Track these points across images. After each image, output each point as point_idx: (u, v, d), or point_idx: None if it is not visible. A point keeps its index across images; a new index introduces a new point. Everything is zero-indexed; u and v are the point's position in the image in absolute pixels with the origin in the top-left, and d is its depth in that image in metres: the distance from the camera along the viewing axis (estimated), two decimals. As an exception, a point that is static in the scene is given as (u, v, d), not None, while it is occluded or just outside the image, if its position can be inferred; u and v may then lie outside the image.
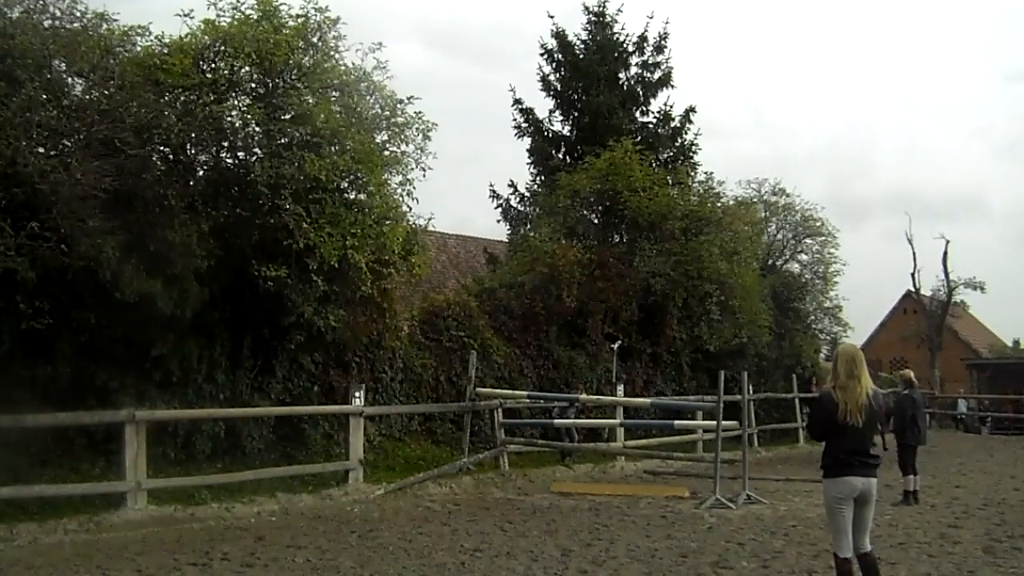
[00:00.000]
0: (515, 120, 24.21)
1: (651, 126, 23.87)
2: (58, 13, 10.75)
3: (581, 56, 23.87)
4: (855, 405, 5.73)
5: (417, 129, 12.90)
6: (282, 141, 11.66)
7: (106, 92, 10.70)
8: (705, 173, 22.73)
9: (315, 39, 12.32)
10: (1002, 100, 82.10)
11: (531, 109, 24.18)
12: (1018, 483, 13.73)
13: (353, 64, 12.66)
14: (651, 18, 35.50)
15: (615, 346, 18.43)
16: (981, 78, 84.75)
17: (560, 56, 24.02)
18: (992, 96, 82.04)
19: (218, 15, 11.90)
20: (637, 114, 23.94)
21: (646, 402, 16.50)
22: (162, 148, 11.42)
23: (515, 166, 64.77)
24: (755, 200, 25.12)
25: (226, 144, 11.99)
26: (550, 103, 24.17)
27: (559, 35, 24.06)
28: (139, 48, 11.54)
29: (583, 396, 16.54)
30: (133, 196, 10.73)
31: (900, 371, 13.07)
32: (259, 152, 11.83)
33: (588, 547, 8.79)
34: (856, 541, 5.89)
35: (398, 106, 12.85)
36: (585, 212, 20.64)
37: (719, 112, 74.03)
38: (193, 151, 11.90)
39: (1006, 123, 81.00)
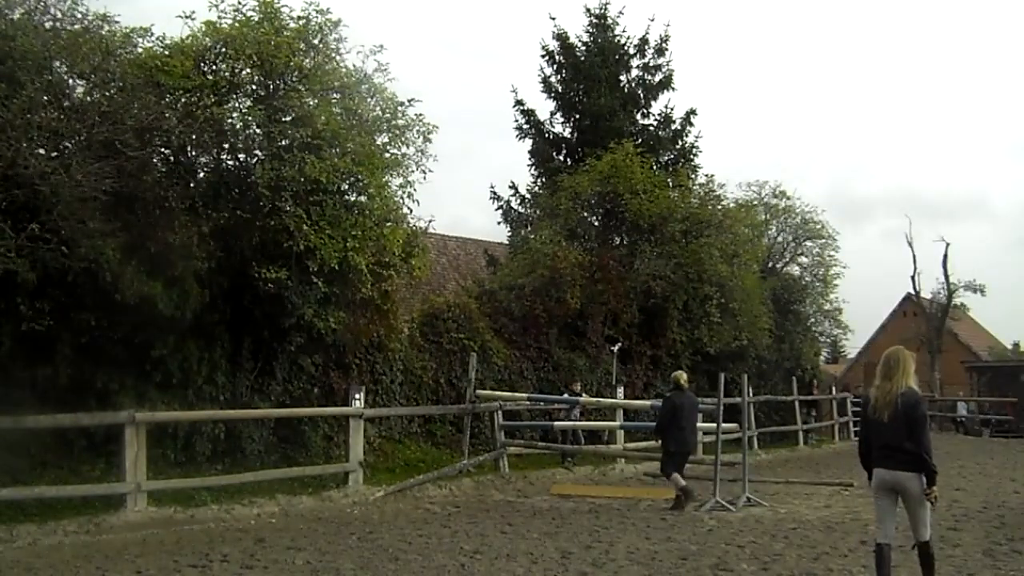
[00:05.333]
0: (516, 121, 24.27)
1: (652, 128, 23.90)
2: (59, 15, 10.76)
3: (582, 58, 23.90)
4: (883, 402, 6.19)
5: (418, 131, 12.94)
6: (283, 143, 11.68)
7: (107, 94, 10.72)
8: (706, 175, 22.83)
9: (316, 41, 12.34)
10: (1007, 99, 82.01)
11: (532, 111, 24.24)
12: (1018, 486, 13.74)
13: (354, 66, 12.72)
14: (652, 20, 35.64)
15: (615, 348, 18.44)
16: (985, 77, 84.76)
17: (561, 58, 24.05)
18: (997, 95, 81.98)
19: (219, 17, 11.94)
20: (638, 116, 23.97)
21: (645, 404, 16.52)
22: (163, 150, 11.44)
23: (513, 165, 65.06)
24: (755, 202, 25.15)
25: (227, 146, 12.01)
26: (551, 105, 24.25)
27: (560, 37, 24.10)
28: (140, 50, 11.54)
29: (583, 398, 16.57)
30: (134, 198, 10.75)
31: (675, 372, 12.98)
32: (260, 154, 11.86)
33: (588, 549, 8.78)
34: (913, 532, 6.43)
35: (399, 108, 12.87)
36: (586, 214, 20.66)
37: (720, 114, 74.07)
38: (194, 153, 11.92)
39: (1011, 122, 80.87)
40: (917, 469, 6.15)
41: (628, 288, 19.04)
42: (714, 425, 13.16)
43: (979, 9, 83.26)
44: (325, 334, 12.39)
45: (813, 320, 27.25)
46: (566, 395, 16.86)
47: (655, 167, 21.61)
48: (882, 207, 75.97)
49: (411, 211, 13.35)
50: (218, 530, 10.01)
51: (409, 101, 12.95)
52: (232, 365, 12.27)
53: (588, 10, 24.27)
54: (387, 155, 12.86)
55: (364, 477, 12.92)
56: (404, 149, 12.98)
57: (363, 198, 12.44)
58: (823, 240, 26.41)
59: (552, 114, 24.21)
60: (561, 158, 23.73)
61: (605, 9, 24.21)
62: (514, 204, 23.81)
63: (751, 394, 19.23)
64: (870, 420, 6.34)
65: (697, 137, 24.05)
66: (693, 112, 23.99)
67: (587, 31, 24.23)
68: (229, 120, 11.79)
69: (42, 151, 10.00)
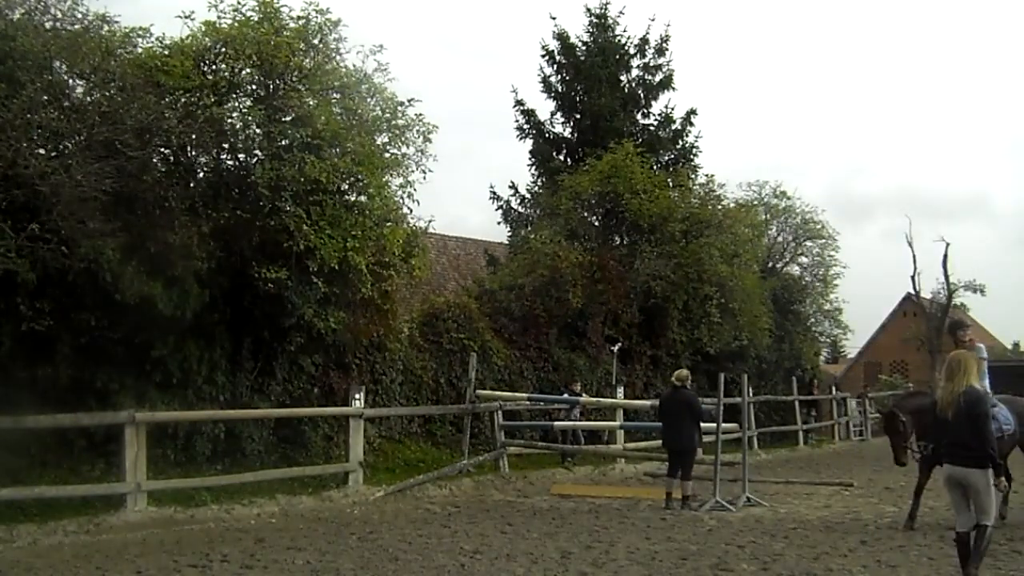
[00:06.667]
0: (516, 121, 24.24)
1: (652, 128, 23.88)
2: (59, 15, 10.75)
3: (583, 58, 23.87)
4: (947, 402, 6.78)
5: (418, 131, 12.93)
6: (283, 143, 11.67)
7: (107, 94, 10.70)
8: (706, 175, 22.81)
9: (316, 41, 12.33)
10: (1007, 99, 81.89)
11: (532, 111, 24.21)
12: (1017, 486, 13.70)
13: (354, 66, 12.71)
14: (652, 21, 35.53)
15: (615, 348, 18.44)
16: (985, 77, 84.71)
17: (562, 58, 24.03)
18: (997, 95, 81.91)
19: (219, 17, 11.92)
20: (638, 116, 23.95)
21: (646, 404, 16.52)
22: (163, 150, 11.43)
23: (513, 165, 65.05)
24: (756, 202, 25.16)
25: (227, 146, 12.01)
26: (551, 105, 24.21)
27: (561, 37, 24.07)
28: (140, 50, 11.54)
29: (583, 398, 16.58)
30: (134, 198, 10.74)
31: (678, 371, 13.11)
32: (260, 154, 11.84)
33: (588, 549, 8.78)
34: (976, 517, 6.83)
35: (399, 108, 12.87)
36: (586, 214, 20.67)
37: (720, 114, 74.05)
38: (194, 153, 11.91)
39: (1011, 122, 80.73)
40: (981, 464, 6.61)
41: (628, 288, 19.05)
42: (714, 425, 13.17)
43: (979, 9, 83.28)
44: (325, 334, 12.39)
45: (813, 320, 27.27)
46: (566, 395, 16.86)
47: (655, 167, 21.62)
48: (882, 207, 75.89)
49: (411, 211, 13.37)
50: (218, 530, 10.02)
51: (409, 101, 12.96)
52: (232, 365, 12.27)
53: (588, 10, 24.26)
54: (387, 155, 12.85)
55: (364, 477, 12.92)
56: (404, 149, 12.99)
57: (363, 198, 12.43)
58: (823, 240, 26.45)
59: (552, 114, 24.21)
60: (561, 158, 23.71)
61: (605, 9, 24.20)
62: (514, 204, 23.82)
63: (751, 394, 19.22)
64: (938, 419, 6.97)
65: (697, 137, 24.07)
66: (693, 112, 24.01)
67: (587, 31, 24.20)
68: (229, 120, 11.79)
69: (42, 151, 10.01)
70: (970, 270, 59.75)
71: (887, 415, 10.71)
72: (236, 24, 11.83)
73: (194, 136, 11.19)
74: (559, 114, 24.11)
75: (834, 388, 29.17)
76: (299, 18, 12.22)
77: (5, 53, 10.00)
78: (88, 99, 10.81)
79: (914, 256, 35.05)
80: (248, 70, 11.83)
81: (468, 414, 15.14)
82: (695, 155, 23.91)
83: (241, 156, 12.20)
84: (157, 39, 11.66)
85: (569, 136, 24.04)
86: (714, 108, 77.05)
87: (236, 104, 12.01)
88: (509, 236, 23.51)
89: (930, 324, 35.21)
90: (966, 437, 6.62)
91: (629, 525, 10.40)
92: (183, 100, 11.26)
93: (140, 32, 11.48)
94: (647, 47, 24.10)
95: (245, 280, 11.63)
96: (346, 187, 12.29)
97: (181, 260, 10.80)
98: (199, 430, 11.67)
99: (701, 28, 74.22)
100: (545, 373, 17.82)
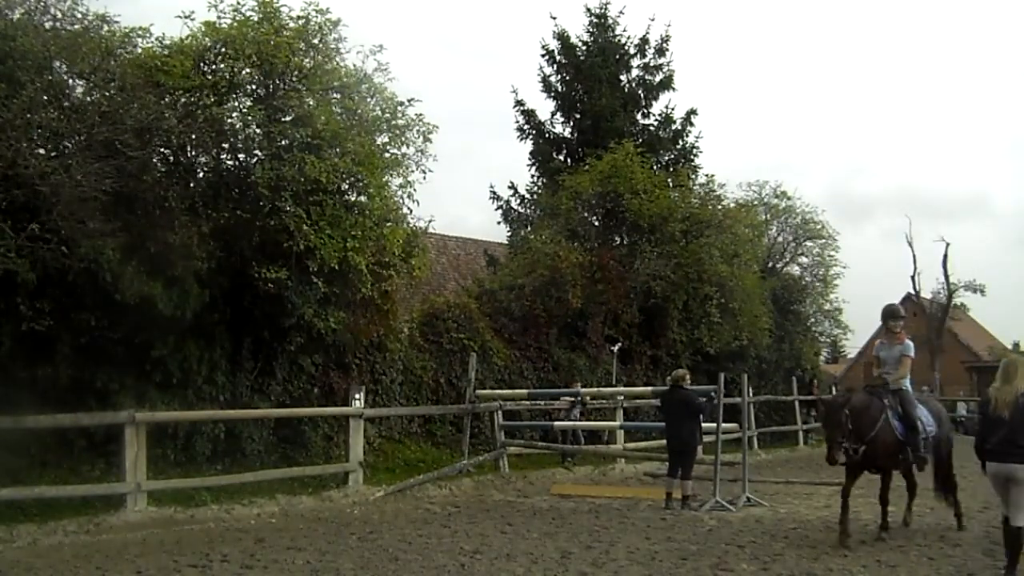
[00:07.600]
0: (517, 122, 24.26)
1: (652, 128, 23.90)
2: (59, 15, 10.76)
3: (583, 58, 23.89)
4: (1003, 402, 7.04)
5: (418, 131, 12.94)
6: (283, 143, 11.68)
7: (107, 94, 10.71)
8: (706, 175, 22.84)
9: (316, 41, 12.34)
10: (1007, 99, 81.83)
11: (533, 111, 24.23)
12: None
13: (354, 66, 12.73)
14: (653, 20, 35.59)
15: (615, 348, 18.44)
16: (985, 77, 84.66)
17: (562, 58, 24.04)
18: (997, 95, 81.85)
19: (219, 17, 11.94)
20: (638, 116, 23.97)
21: (647, 390, 16.50)
22: (163, 150, 11.44)
23: (513, 165, 65.10)
24: (756, 202, 25.15)
25: (227, 146, 12.01)
26: (551, 105, 24.25)
27: (561, 36, 24.08)
28: (140, 50, 11.54)
29: (583, 390, 16.57)
30: (133, 198, 10.75)
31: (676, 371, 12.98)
32: (260, 154, 11.85)
33: (588, 549, 8.78)
34: (1011, 517, 7.19)
35: (399, 108, 12.88)
36: (586, 214, 20.68)
37: (721, 114, 74.01)
38: (193, 153, 11.91)
39: (1011, 122, 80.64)
40: None
41: (628, 288, 19.05)
42: (714, 425, 13.16)
43: (979, 9, 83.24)
44: (325, 334, 12.40)
45: (813, 320, 27.26)
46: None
47: (655, 167, 21.63)
48: (882, 207, 75.75)
49: (411, 211, 13.38)
50: (218, 530, 10.02)
51: (409, 101, 12.98)
52: (232, 365, 12.27)
53: (588, 10, 24.30)
54: (387, 155, 12.87)
55: (364, 477, 12.92)
56: (404, 149, 13.01)
57: (363, 198, 12.43)
58: (823, 240, 26.43)
59: (552, 114, 24.24)
60: (561, 158, 23.72)
61: (606, 9, 24.24)
62: (514, 204, 23.83)
63: (751, 394, 19.22)
64: (989, 418, 7.22)
65: (697, 137, 24.11)
66: (693, 112, 24.04)
67: (587, 31, 24.23)
68: (229, 120, 11.80)
69: (42, 151, 10.02)
70: (970, 270, 59.83)
71: (838, 403, 9.15)
72: (236, 24, 11.83)
73: (194, 136, 11.20)
74: (559, 114, 24.15)
75: (834, 388, 29.16)
76: (299, 18, 12.23)
77: (5, 53, 10.00)
78: (88, 99, 10.81)
79: (914, 256, 35.14)
80: (248, 70, 11.84)
81: (468, 414, 15.15)
82: (695, 155, 23.96)
83: (241, 156, 12.21)
84: (157, 39, 11.68)
85: (569, 136, 24.05)
86: (714, 108, 77.04)
87: (236, 104, 12.02)
88: (509, 236, 23.51)
89: (930, 324, 35.23)
90: (1020, 437, 6.92)
91: (629, 525, 10.40)
92: (183, 100, 11.27)
93: (140, 32, 11.49)
94: (647, 47, 24.13)
95: (245, 280, 11.63)
96: (346, 187, 12.29)
97: (181, 260, 10.81)
98: (199, 430, 11.67)
99: (701, 28, 74.24)
100: (545, 373, 17.82)
